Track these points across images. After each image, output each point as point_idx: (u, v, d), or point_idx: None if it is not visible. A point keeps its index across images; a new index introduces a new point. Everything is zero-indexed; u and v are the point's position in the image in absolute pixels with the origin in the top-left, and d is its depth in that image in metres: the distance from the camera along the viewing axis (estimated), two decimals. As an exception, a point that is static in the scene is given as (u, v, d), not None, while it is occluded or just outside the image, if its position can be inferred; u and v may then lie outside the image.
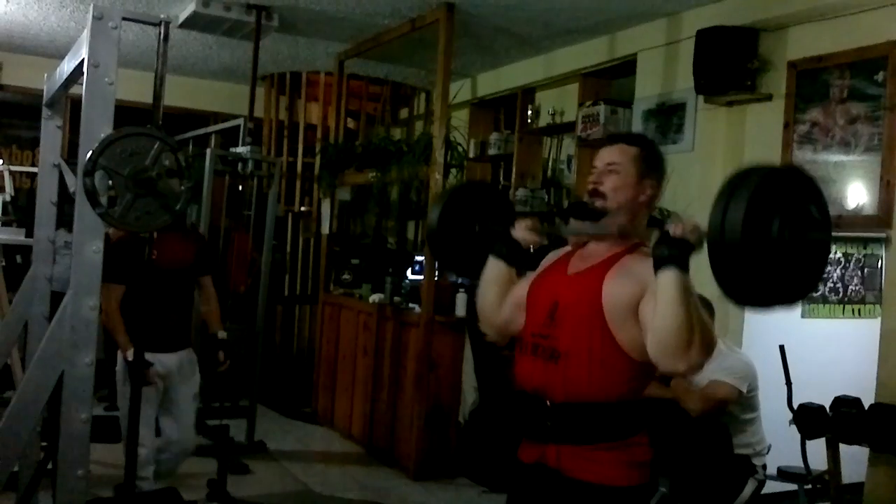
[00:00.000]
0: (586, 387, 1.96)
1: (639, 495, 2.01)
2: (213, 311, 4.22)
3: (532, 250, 2.28)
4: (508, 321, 2.24)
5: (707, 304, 3.66)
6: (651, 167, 2.09)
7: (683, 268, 1.80)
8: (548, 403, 2.00)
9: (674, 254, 1.81)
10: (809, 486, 4.10)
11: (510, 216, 2.36)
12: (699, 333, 1.79)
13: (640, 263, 1.98)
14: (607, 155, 2.11)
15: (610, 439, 1.97)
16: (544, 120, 6.23)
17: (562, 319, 2.02)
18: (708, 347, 1.81)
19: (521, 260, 2.27)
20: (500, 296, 2.24)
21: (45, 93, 3.11)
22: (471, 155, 6.42)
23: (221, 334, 4.18)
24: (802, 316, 5.24)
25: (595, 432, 1.97)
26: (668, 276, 1.80)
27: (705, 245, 1.77)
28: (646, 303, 1.89)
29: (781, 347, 4.01)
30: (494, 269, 2.25)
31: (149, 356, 3.76)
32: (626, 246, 2.06)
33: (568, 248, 2.23)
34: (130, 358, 3.70)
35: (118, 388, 3.88)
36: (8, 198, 6.76)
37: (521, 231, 2.24)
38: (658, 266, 1.83)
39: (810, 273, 1.79)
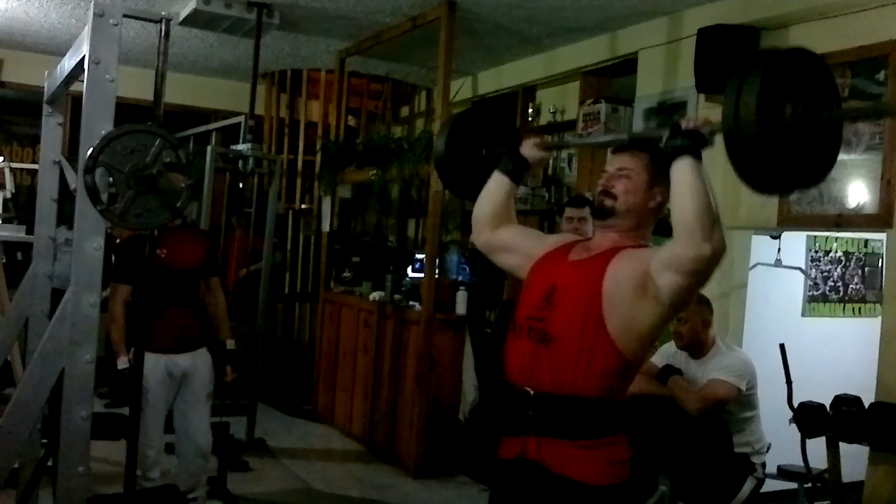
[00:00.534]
0: (572, 373, 1.96)
1: (621, 493, 2.00)
2: (221, 316, 4.15)
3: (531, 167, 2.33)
4: (495, 249, 2.33)
5: (706, 302, 3.68)
6: (662, 174, 2.06)
7: (698, 157, 1.84)
8: (531, 393, 2.00)
9: (687, 144, 1.85)
10: (809, 484, 4.11)
11: (515, 137, 2.39)
12: (719, 220, 1.82)
13: (645, 250, 2.03)
14: (619, 160, 2.12)
15: (589, 436, 1.97)
16: (545, 118, 6.23)
17: (558, 303, 2.03)
18: (723, 239, 1.83)
19: (523, 175, 2.33)
20: (497, 209, 2.30)
21: (45, 90, 3.10)
22: (472, 153, 6.40)
23: (230, 344, 4.14)
24: (803, 315, 5.25)
25: (576, 427, 1.97)
26: (686, 164, 1.84)
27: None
28: (655, 259, 1.91)
29: (781, 346, 4.01)
30: (497, 182, 2.30)
31: (164, 358, 3.78)
32: (632, 244, 2.07)
33: (572, 239, 2.25)
34: (121, 366, 3.70)
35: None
36: (8, 195, 6.74)
37: (529, 148, 2.28)
38: (673, 157, 1.86)
39: (826, 152, 1.81)
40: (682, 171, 1.85)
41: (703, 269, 1.84)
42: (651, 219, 2.11)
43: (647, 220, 2.11)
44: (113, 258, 3.91)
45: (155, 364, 3.72)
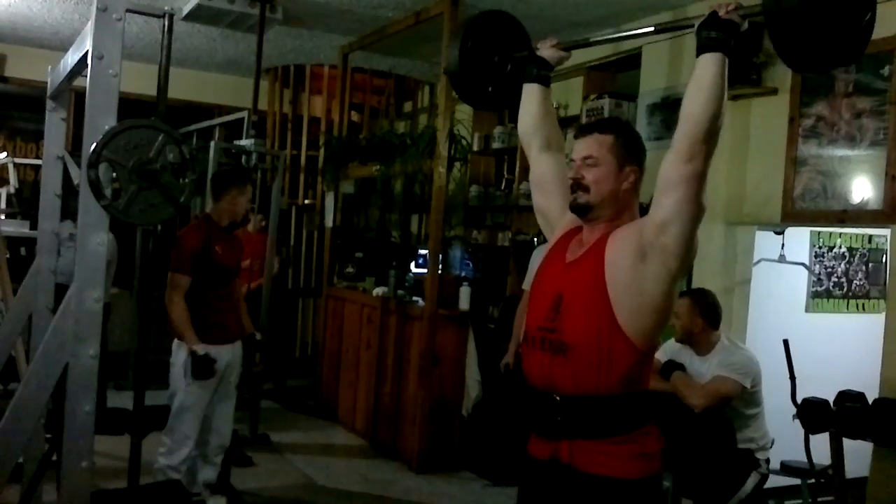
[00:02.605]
0: (595, 378, 1.95)
1: (651, 486, 2.00)
2: (244, 311, 4.30)
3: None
4: (536, 177, 2.32)
5: (714, 304, 3.67)
6: (629, 152, 2.05)
7: (728, 53, 1.83)
8: (557, 398, 1.99)
9: (722, 38, 1.82)
10: (813, 480, 4.10)
11: (525, 40, 2.39)
12: (719, 130, 1.82)
13: (635, 221, 2.01)
14: (583, 148, 2.06)
15: (620, 432, 1.96)
16: (549, 113, 6.20)
17: (567, 311, 2.00)
18: (714, 148, 1.84)
19: (549, 75, 2.34)
20: (537, 117, 2.31)
21: (49, 85, 3.10)
22: (475, 148, 6.41)
23: (258, 336, 4.36)
24: (806, 310, 5.24)
25: (605, 425, 1.96)
26: (715, 60, 1.82)
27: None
28: (650, 215, 1.90)
29: (785, 342, 3.99)
30: (528, 92, 2.32)
31: (210, 348, 3.85)
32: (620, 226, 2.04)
33: (568, 225, 2.19)
34: (202, 352, 3.78)
35: (174, 382, 3.91)
36: (12, 190, 6.77)
37: (547, 50, 2.30)
38: (705, 49, 1.83)
39: (862, 29, 1.81)
40: (708, 66, 1.82)
41: (699, 171, 1.82)
42: (630, 200, 2.06)
43: (627, 203, 2.06)
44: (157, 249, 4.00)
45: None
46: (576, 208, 2.07)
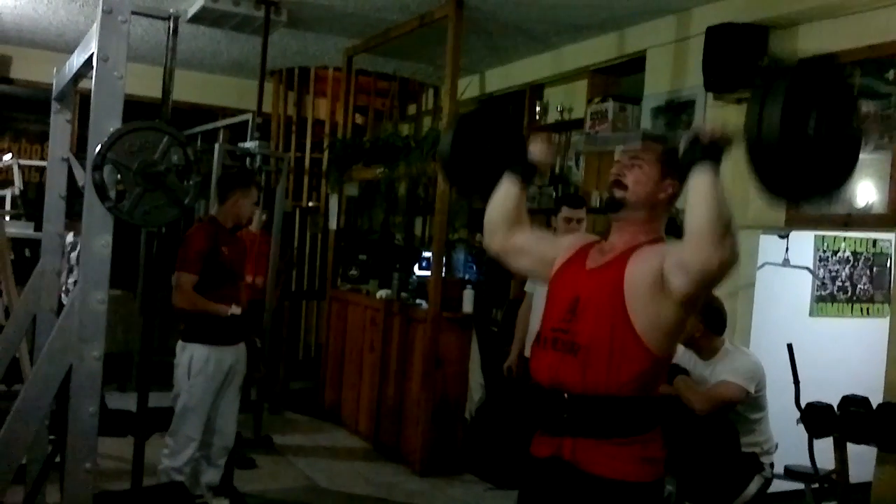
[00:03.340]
0: (605, 379, 1.96)
1: (653, 491, 2.01)
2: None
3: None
4: (509, 253, 2.34)
5: (718, 310, 3.66)
6: (674, 167, 2.09)
7: (717, 167, 1.85)
8: (565, 396, 2.00)
9: (708, 154, 1.86)
10: (816, 485, 4.09)
11: (519, 137, 2.42)
12: (733, 229, 1.82)
13: (661, 246, 2.03)
14: (633, 150, 2.17)
15: (625, 434, 1.97)
16: (553, 116, 6.22)
17: (583, 313, 2.03)
18: (735, 249, 1.84)
19: (533, 178, 2.36)
20: (509, 213, 2.31)
21: (54, 87, 3.11)
22: (479, 151, 6.40)
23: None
24: (811, 314, 5.23)
25: (611, 426, 1.97)
26: (705, 174, 1.84)
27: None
28: (669, 258, 1.92)
29: (789, 346, 3.99)
30: (507, 187, 2.31)
31: (216, 350, 3.91)
32: (647, 239, 2.07)
33: (585, 241, 2.24)
34: (238, 312, 3.91)
35: (180, 382, 3.93)
36: (17, 192, 6.77)
37: (538, 150, 2.31)
38: (692, 166, 1.87)
39: (846, 160, 1.80)
40: (699, 182, 1.85)
41: (711, 278, 1.85)
42: (662, 211, 2.12)
43: (658, 212, 2.11)
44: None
45: (208, 356, 3.88)
46: (610, 203, 2.12)
